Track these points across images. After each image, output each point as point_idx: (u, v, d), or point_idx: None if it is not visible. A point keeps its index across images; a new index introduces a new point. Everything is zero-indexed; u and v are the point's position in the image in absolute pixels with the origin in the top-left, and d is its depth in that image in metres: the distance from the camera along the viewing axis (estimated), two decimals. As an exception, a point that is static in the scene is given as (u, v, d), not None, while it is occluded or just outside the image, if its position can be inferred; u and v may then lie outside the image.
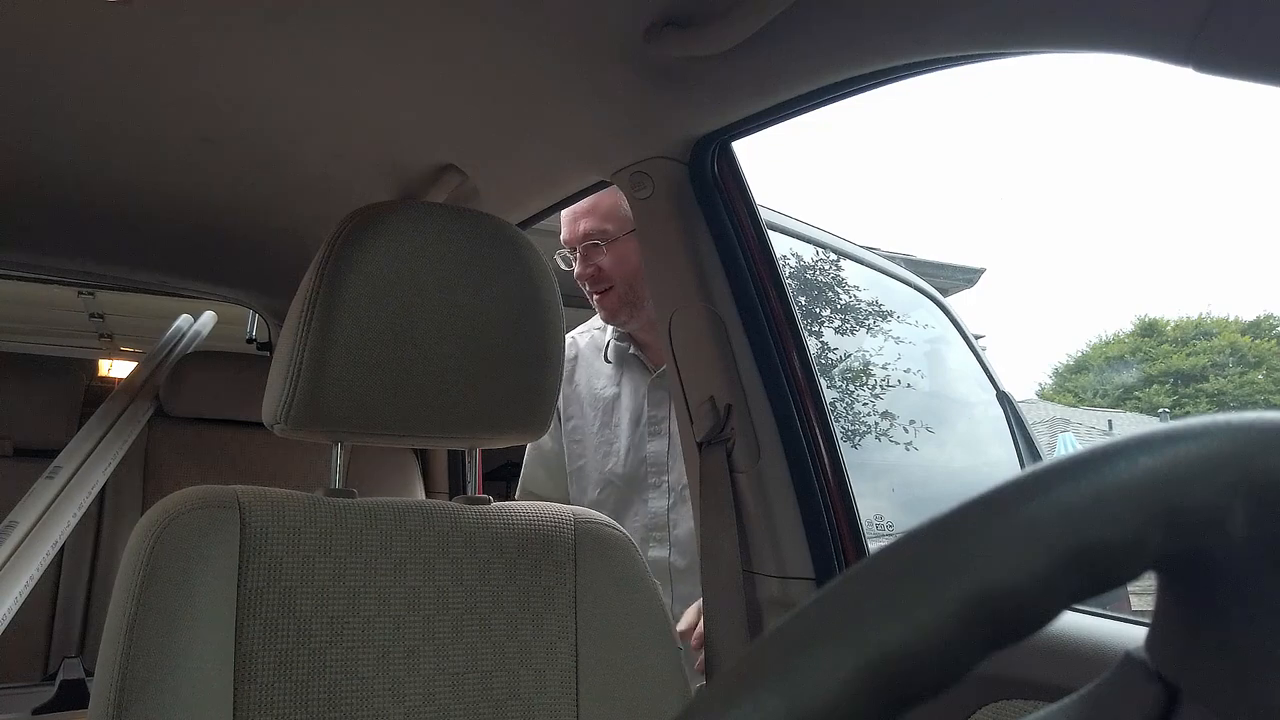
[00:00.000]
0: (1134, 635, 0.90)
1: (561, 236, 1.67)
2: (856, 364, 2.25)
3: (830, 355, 2.19)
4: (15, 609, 1.55)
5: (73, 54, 1.23)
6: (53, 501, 1.75)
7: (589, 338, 1.81)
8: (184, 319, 2.72)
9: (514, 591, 0.95)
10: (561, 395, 1.71)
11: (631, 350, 1.71)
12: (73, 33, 1.17)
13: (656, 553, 1.62)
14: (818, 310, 2.17)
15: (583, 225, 1.61)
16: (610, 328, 1.74)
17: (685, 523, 1.60)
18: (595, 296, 1.65)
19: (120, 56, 1.23)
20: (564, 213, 1.65)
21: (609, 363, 1.74)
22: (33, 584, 1.61)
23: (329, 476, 0.96)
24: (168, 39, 1.18)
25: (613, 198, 1.58)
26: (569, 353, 1.78)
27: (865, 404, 2.21)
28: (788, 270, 1.73)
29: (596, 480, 1.70)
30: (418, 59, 1.20)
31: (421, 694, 0.88)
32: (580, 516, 1.02)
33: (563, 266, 1.66)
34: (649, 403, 1.67)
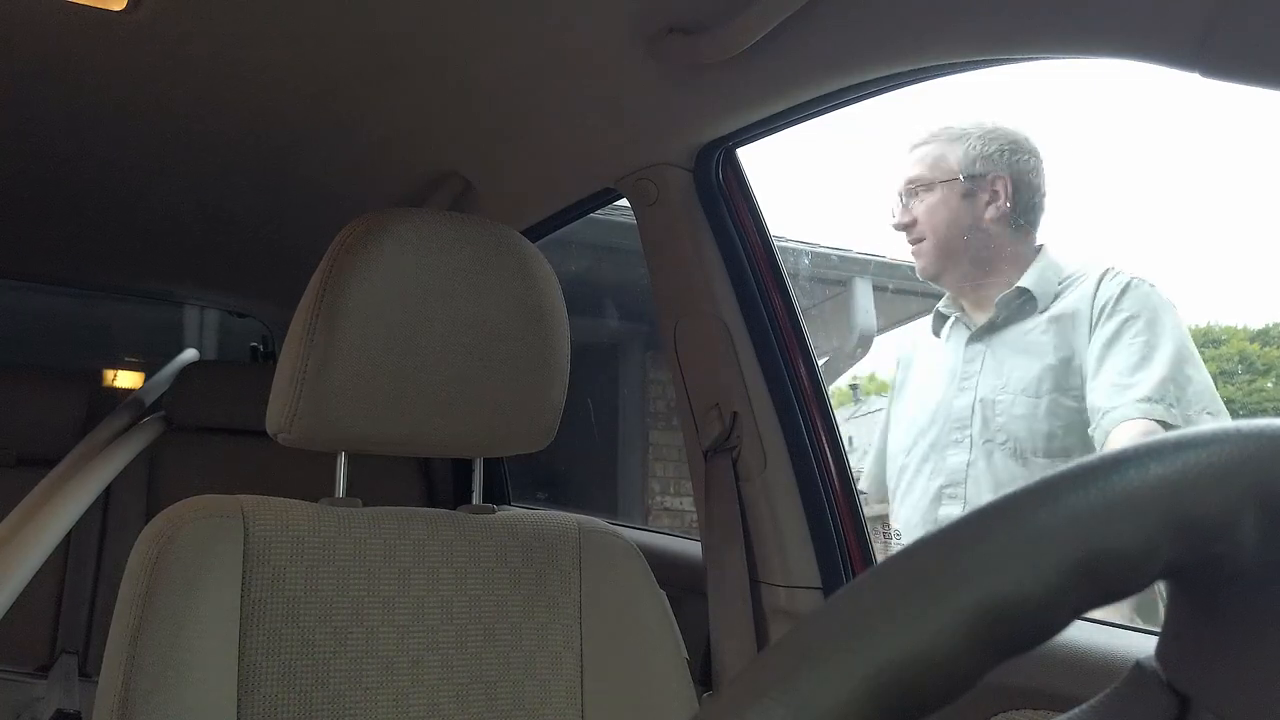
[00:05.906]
0: (1144, 644, 0.89)
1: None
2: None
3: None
4: (8, 605, 1.52)
5: (76, 63, 1.24)
6: (53, 504, 1.73)
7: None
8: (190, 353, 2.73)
9: (519, 601, 0.95)
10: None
11: (954, 316, 1.60)
12: (75, 42, 1.18)
13: (948, 509, 1.52)
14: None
15: (907, 170, 1.54)
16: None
17: (982, 478, 1.50)
18: (912, 249, 1.56)
19: (123, 66, 1.24)
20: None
21: (937, 337, 1.63)
22: (23, 584, 1.58)
23: (333, 486, 0.95)
24: (170, 48, 1.19)
25: (938, 146, 1.51)
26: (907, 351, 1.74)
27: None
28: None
29: (905, 445, 1.63)
30: (420, 65, 1.20)
31: (426, 704, 0.88)
32: (585, 525, 1.01)
33: (893, 220, 1.58)
34: (963, 359, 1.56)
